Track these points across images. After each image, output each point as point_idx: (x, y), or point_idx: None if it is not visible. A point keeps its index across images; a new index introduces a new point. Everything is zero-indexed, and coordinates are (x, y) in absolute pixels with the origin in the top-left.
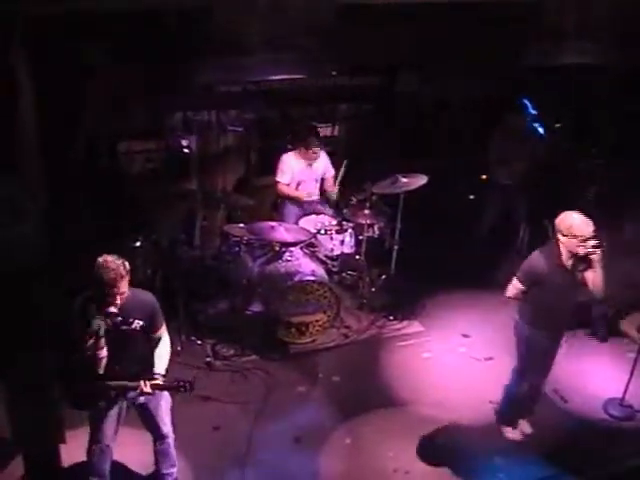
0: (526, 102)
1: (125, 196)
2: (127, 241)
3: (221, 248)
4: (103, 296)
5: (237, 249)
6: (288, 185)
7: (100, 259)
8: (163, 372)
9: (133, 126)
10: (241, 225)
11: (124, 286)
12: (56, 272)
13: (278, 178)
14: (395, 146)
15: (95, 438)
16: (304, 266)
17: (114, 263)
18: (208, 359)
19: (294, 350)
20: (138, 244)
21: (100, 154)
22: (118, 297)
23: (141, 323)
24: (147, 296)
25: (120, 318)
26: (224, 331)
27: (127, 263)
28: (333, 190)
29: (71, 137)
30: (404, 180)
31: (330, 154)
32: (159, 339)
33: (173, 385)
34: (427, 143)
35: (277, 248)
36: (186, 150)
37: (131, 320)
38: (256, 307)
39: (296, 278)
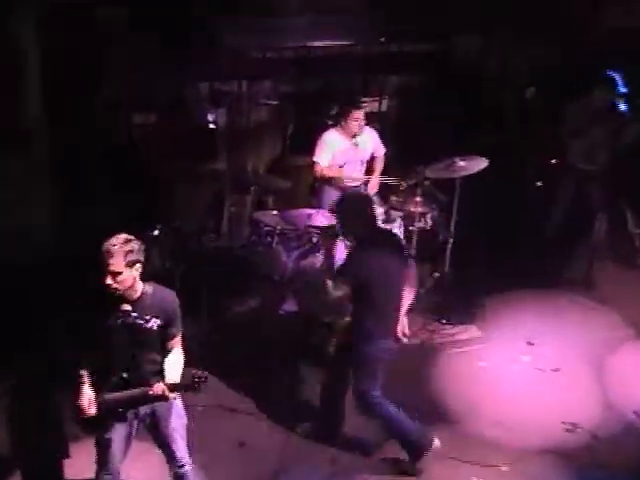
0: (614, 77)
1: (142, 177)
2: (144, 229)
3: (251, 238)
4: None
5: (269, 239)
6: (328, 167)
7: None
8: (178, 380)
9: (152, 96)
10: (274, 212)
11: (117, 265)
12: (63, 264)
13: (316, 158)
14: (452, 124)
15: (103, 464)
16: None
17: (111, 238)
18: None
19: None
20: (156, 232)
21: (112, 128)
22: (110, 278)
23: (159, 322)
24: (169, 294)
25: (135, 314)
26: (253, 332)
27: (134, 243)
28: (375, 184)
29: (81, 108)
30: (462, 163)
31: (378, 132)
32: (172, 348)
33: (188, 383)
34: (490, 121)
35: (315, 239)
36: (213, 125)
37: (147, 317)
38: (290, 306)
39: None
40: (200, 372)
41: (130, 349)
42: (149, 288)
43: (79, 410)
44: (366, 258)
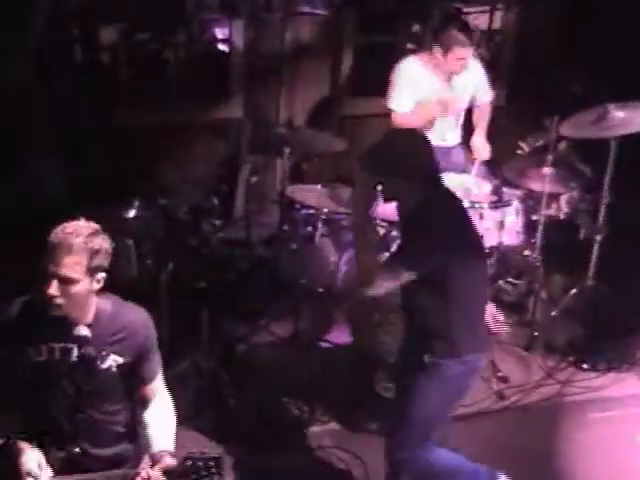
0: None
1: (111, 128)
2: (114, 208)
3: (282, 226)
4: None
5: (310, 229)
6: (412, 115)
7: None
8: (172, 449)
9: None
10: (319, 187)
11: (74, 268)
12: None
13: (392, 103)
14: (602, 50)
15: None
16: None
17: (67, 225)
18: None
19: None
20: (133, 213)
21: (65, 50)
22: (55, 287)
23: (119, 360)
24: (137, 314)
25: (84, 347)
26: (281, 374)
27: (104, 239)
28: (481, 148)
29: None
30: (619, 114)
31: (485, 64)
32: (149, 397)
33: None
34: None
35: (382, 231)
36: (224, 47)
37: (104, 352)
38: (339, 335)
39: None
40: (209, 455)
41: (76, 403)
42: (106, 304)
43: None
44: (439, 230)
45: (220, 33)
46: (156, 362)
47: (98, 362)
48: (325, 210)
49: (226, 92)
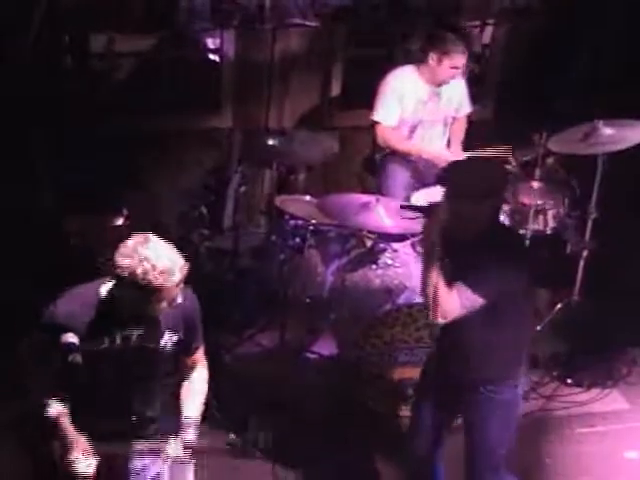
0: None
1: (101, 135)
2: (101, 216)
3: (270, 236)
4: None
5: (298, 240)
6: (395, 130)
7: (146, 244)
8: (197, 416)
9: (119, 7)
10: (307, 198)
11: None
12: None
13: (377, 116)
14: (593, 68)
15: None
16: (416, 278)
17: (165, 255)
18: (233, 437)
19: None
20: (121, 221)
21: (53, 58)
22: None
23: (174, 338)
24: (188, 296)
25: (141, 329)
26: (265, 386)
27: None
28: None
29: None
30: (607, 131)
31: (472, 79)
32: (192, 367)
33: None
34: None
35: (369, 243)
36: (214, 57)
37: (162, 330)
38: (325, 347)
39: (400, 299)
40: None
41: (132, 379)
42: None
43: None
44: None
45: (211, 43)
46: (201, 334)
47: (156, 342)
48: (313, 221)
49: (216, 102)
